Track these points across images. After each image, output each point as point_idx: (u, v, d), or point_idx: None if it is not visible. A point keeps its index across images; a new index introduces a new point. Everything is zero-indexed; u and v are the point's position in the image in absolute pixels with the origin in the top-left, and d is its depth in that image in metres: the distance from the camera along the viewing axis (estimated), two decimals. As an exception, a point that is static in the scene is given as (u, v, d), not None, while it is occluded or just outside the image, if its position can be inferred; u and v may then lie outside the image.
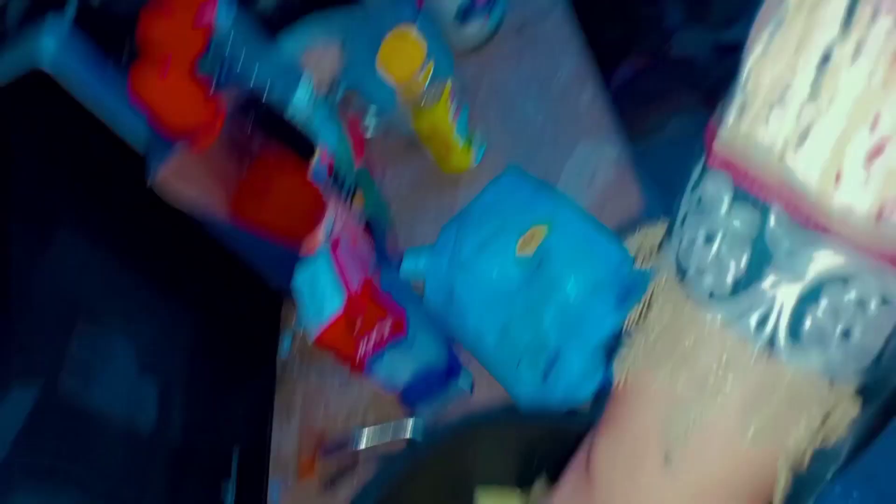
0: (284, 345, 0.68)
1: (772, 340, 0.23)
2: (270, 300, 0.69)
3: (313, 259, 0.50)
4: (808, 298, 0.22)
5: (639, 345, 0.27)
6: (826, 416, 0.24)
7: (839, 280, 0.22)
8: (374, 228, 0.64)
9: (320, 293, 0.47)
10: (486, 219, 0.62)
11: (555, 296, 0.55)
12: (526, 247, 0.60)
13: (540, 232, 0.59)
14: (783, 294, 0.22)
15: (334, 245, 0.50)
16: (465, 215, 0.64)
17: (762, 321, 0.23)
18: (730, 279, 0.23)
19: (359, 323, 0.46)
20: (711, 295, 0.23)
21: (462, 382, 0.54)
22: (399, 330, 0.49)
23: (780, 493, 0.25)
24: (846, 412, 0.24)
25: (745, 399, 0.24)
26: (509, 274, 0.58)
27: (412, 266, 0.63)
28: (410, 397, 0.53)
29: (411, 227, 0.67)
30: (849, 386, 0.23)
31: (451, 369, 0.54)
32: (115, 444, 0.51)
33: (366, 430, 0.54)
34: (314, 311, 0.46)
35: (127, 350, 0.55)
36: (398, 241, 0.67)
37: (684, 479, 0.26)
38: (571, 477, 0.32)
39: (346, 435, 0.56)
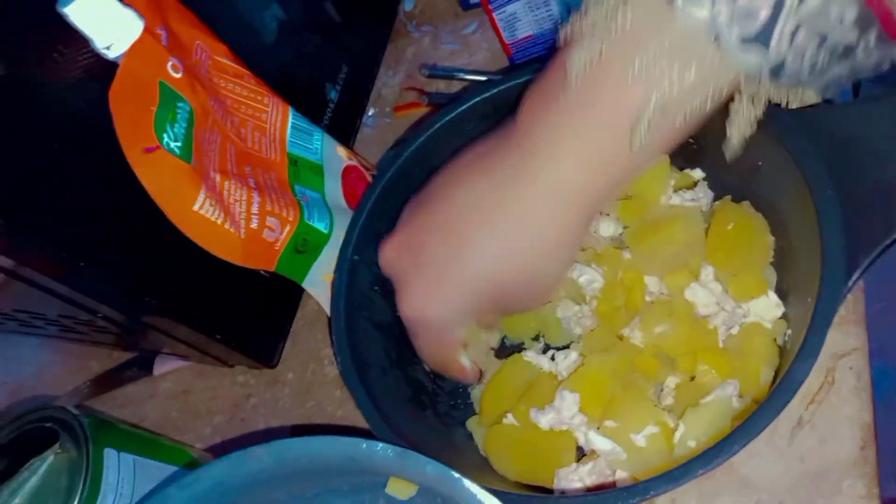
0: (407, 3, 0.68)
1: None
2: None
3: None
4: None
5: None
6: (708, 76, 0.27)
7: None
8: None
9: None
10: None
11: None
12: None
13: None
14: None
15: None
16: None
17: None
18: None
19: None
20: None
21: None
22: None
23: (640, 129, 0.29)
24: (737, 80, 0.28)
25: (637, 36, 0.28)
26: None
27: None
28: (520, 59, 0.53)
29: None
30: (737, 56, 0.26)
31: (569, 45, 0.53)
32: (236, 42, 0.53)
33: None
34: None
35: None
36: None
37: (579, 108, 0.31)
38: (497, 132, 0.36)
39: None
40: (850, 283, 0.33)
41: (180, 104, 0.35)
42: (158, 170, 0.33)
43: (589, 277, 0.41)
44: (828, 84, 0.28)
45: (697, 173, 0.43)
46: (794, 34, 0.25)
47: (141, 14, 0.35)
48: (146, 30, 0.35)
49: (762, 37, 0.25)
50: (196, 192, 0.35)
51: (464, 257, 0.34)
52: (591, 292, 0.42)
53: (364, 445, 0.30)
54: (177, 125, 0.35)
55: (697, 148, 0.42)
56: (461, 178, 0.36)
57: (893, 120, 0.34)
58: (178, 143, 0.34)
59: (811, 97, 0.30)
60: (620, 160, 0.31)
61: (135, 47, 0.34)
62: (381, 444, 0.30)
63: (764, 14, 0.25)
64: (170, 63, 0.36)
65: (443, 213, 0.36)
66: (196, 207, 0.35)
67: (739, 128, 0.31)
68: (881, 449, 0.37)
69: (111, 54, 0.34)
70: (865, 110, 0.35)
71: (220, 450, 0.50)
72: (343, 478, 0.33)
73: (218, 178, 0.37)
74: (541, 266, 0.35)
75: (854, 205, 0.34)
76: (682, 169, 0.44)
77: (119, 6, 0.34)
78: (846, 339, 0.42)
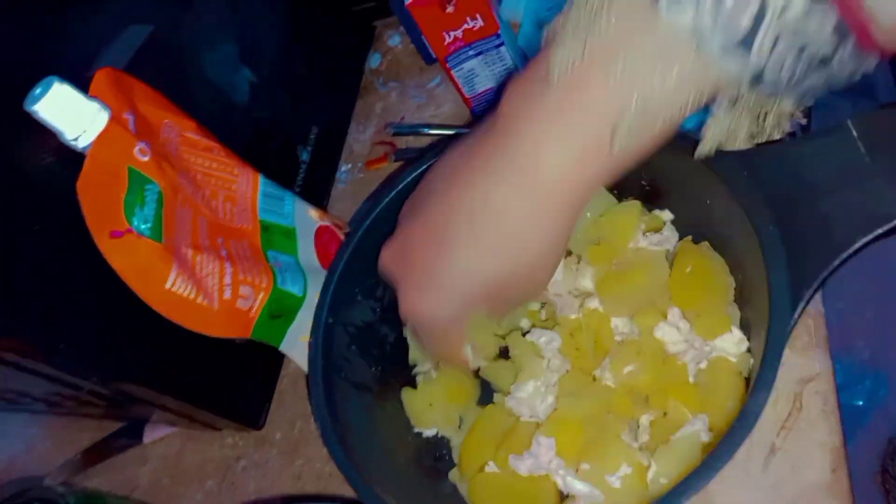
0: (373, 60, 0.70)
1: None
2: (367, 18, 0.71)
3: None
4: None
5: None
6: (689, 81, 0.28)
7: None
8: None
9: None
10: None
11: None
12: None
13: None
14: None
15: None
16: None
17: None
18: None
19: (451, 7, 0.47)
20: None
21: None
22: (490, 31, 0.50)
23: (622, 129, 0.30)
24: (717, 87, 0.28)
25: (620, 37, 0.28)
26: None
27: (511, 5, 0.62)
28: (483, 111, 0.55)
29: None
30: (719, 62, 0.27)
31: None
32: (209, 106, 0.55)
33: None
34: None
35: (229, 39, 0.59)
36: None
37: (560, 106, 0.31)
38: (481, 126, 0.36)
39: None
40: (795, 316, 0.34)
41: (149, 186, 0.37)
42: (128, 253, 0.35)
43: (548, 338, 0.42)
44: (804, 94, 0.29)
45: (666, 214, 0.44)
46: (774, 43, 0.26)
47: (107, 104, 0.37)
48: (113, 118, 0.37)
49: (744, 45, 0.26)
50: (167, 271, 0.36)
51: (448, 258, 0.35)
52: (550, 352, 0.43)
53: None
54: (146, 207, 0.36)
55: (663, 187, 0.44)
56: (445, 177, 0.37)
57: (825, 157, 0.35)
58: (148, 224, 0.36)
59: (788, 107, 0.30)
60: (600, 159, 0.31)
61: (101, 137, 0.36)
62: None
63: (746, 22, 0.25)
64: (137, 147, 0.38)
65: (429, 213, 0.36)
66: (168, 286, 0.36)
67: (714, 134, 0.31)
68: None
69: (80, 145, 0.36)
70: (799, 150, 0.37)
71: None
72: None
73: (190, 252, 0.38)
74: (526, 262, 0.35)
75: (794, 239, 0.35)
76: (650, 210, 0.45)
77: (85, 100, 0.36)
78: (811, 364, 0.43)
